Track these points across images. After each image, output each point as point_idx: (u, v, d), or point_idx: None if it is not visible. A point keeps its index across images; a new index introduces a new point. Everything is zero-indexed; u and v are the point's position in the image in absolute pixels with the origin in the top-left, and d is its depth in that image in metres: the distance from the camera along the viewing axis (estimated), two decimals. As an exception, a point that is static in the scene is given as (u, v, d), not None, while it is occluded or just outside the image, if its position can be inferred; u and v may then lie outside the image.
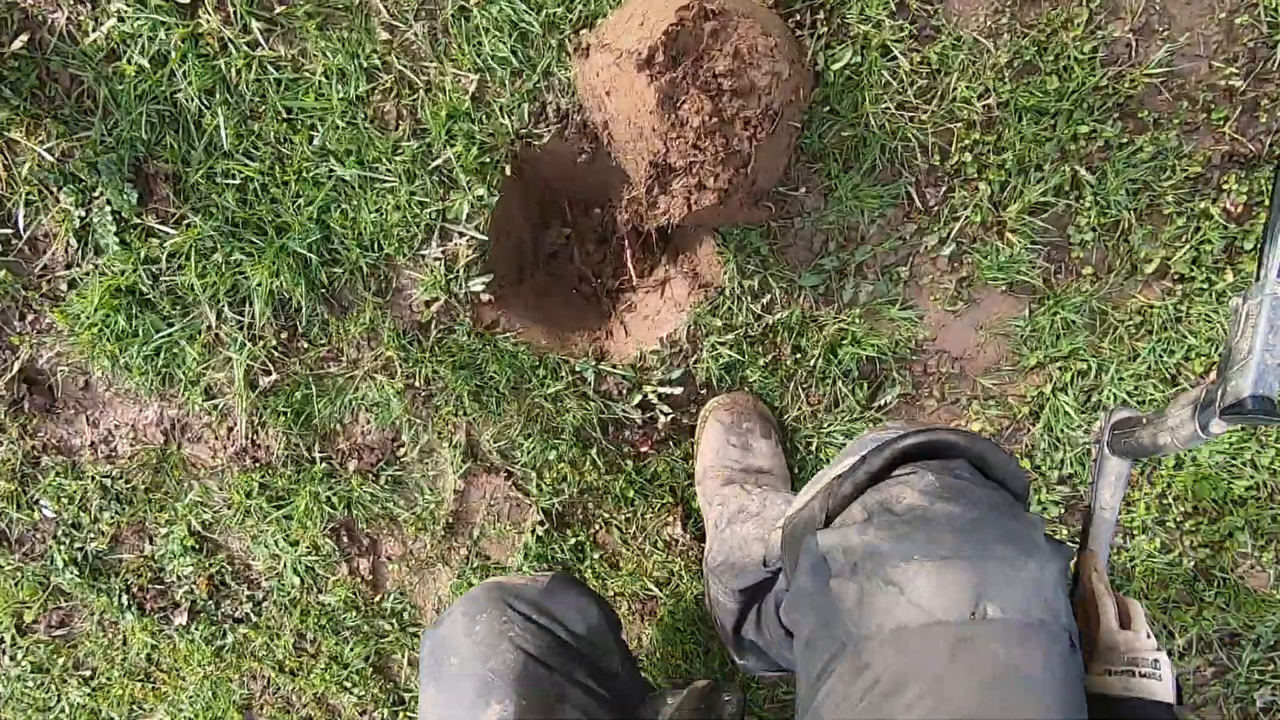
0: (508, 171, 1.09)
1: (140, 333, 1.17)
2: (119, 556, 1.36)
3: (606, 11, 1.00)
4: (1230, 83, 1.05)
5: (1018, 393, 1.20)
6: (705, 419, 1.22)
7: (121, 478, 1.29)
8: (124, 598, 1.36)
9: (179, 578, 1.37)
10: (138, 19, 1.01)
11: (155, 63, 1.04)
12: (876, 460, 0.67)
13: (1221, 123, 1.07)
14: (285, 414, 1.23)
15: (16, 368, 1.22)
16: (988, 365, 1.20)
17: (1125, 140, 1.08)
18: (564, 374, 1.20)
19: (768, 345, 1.20)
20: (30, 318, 1.21)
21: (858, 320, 1.17)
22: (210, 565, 1.35)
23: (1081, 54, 1.03)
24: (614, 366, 1.20)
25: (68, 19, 1.03)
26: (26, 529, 1.34)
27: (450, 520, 1.32)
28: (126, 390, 1.25)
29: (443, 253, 1.13)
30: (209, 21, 1.01)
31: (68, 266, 1.17)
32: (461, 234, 1.12)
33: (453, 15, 1.02)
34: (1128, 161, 1.08)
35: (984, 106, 1.06)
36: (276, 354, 1.20)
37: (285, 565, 1.33)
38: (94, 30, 1.03)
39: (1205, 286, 1.15)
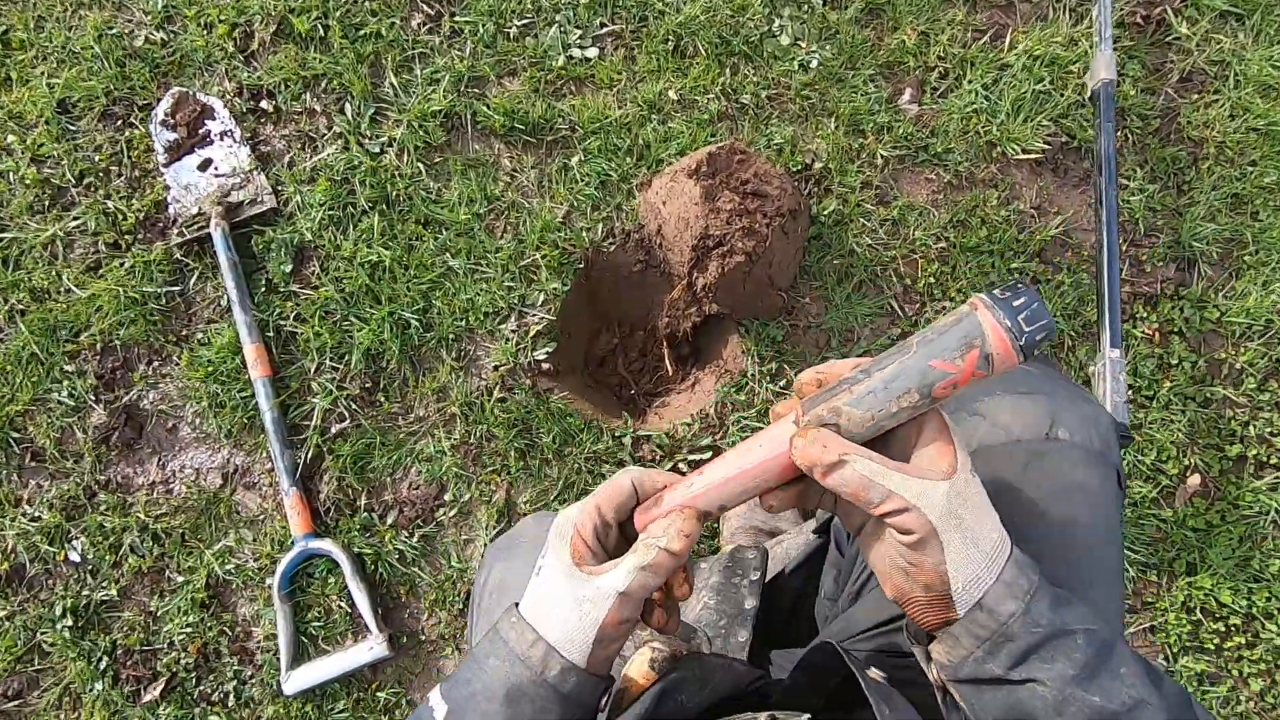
0: (581, 266, 1.42)
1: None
2: (119, 613, 1.30)
3: (662, 169, 1.45)
4: (1114, 244, 1.44)
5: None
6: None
7: (166, 517, 1.33)
8: (104, 660, 1.26)
9: (170, 643, 1.29)
10: (339, 157, 1.47)
11: (340, 183, 1.46)
12: None
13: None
14: (344, 458, 1.34)
15: (124, 402, 1.38)
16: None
17: (1049, 277, 1.42)
18: (605, 438, 1.35)
19: (785, 423, 1.36)
20: (156, 363, 1.41)
21: (862, 404, 1.36)
22: (210, 629, 1.29)
23: (999, 217, 1.44)
24: (650, 435, 1.36)
25: (290, 157, 1.49)
26: (44, 571, 1.32)
27: (470, 593, 1.30)
28: (207, 434, 1.38)
29: (517, 327, 1.40)
30: (389, 161, 1.47)
31: (208, 322, 1.42)
32: (535, 315, 1.40)
33: (557, 169, 1.47)
34: (1055, 291, 1.41)
35: (938, 247, 1.43)
36: (354, 405, 1.37)
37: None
38: (305, 162, 1.48)
39: (1150, 395, 1.37)
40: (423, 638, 1.29)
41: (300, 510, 1.29)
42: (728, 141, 1.34)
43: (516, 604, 0.59)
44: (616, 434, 1.35)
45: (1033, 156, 1.46)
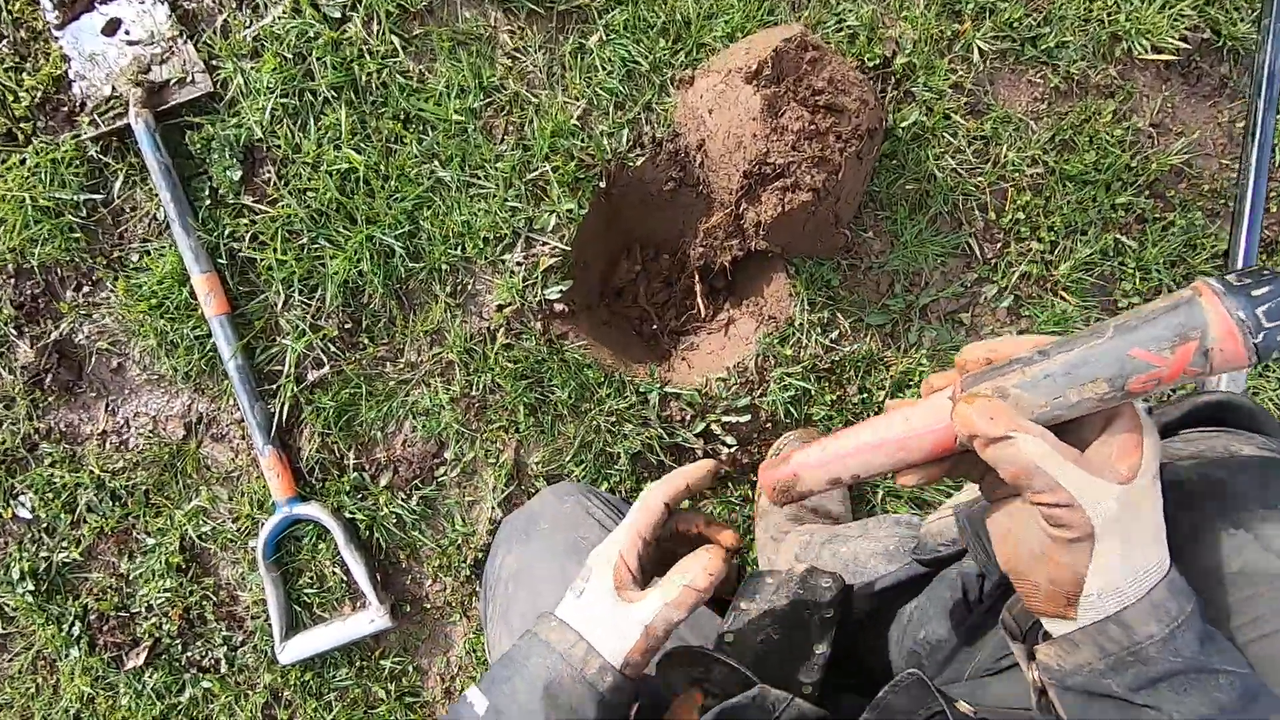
0: (602, 185, 1.16)
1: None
2: (86, 574, 1.18)
3: (706, 57, 1.15)
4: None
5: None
6: (779, 451, 1.17)
7: (124, 473, 1.17)
8: (76, 626, 1.16)
9: (148, 607, 1.18)
10: (289, 24, 1.13)
11: (293, 61, 1.14)
12: (1172, 413, 0.63)
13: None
14: (327, 412, 1.15)
15: (54, 338, 1.16)
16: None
17: (1158, 216, 1.20)
18: (628, 394, 1.17)
19: (834, 381, 1.19)
20: (86, 289, 1.17)
21: (925, 364, 1.19)
22: (190, 594, 1.17)
23: (1111, 137, 1.18)
24: (679, 392, 1.18)
25: (223, 20, 1.15)
26: (-9, 529, 1.17)
27: (479, 558, 1.19)
28: (160, 376, 1.18)
29: (525, 258, 1.16)
30: (355, 32, 1.14)
31: (144, 240, 1.17)
32: (546, 244, 1.16)
33: (571, 52, 1.16)
34: (1162, 234, 1.20)
35: (1033, 173, 1.18)
36: (334, 348, 1.16)
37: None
38: (245, 30, 1.14)
39: (1247, 359, 1.21)
40: (427, 605, 1.19)
41: (280, 472, 1.13)
42: (796, 32, 1.04)
43: (553, 614, 0.61)
44: (641, 389, 1.17)
45: (1164, 57, 1.18)
